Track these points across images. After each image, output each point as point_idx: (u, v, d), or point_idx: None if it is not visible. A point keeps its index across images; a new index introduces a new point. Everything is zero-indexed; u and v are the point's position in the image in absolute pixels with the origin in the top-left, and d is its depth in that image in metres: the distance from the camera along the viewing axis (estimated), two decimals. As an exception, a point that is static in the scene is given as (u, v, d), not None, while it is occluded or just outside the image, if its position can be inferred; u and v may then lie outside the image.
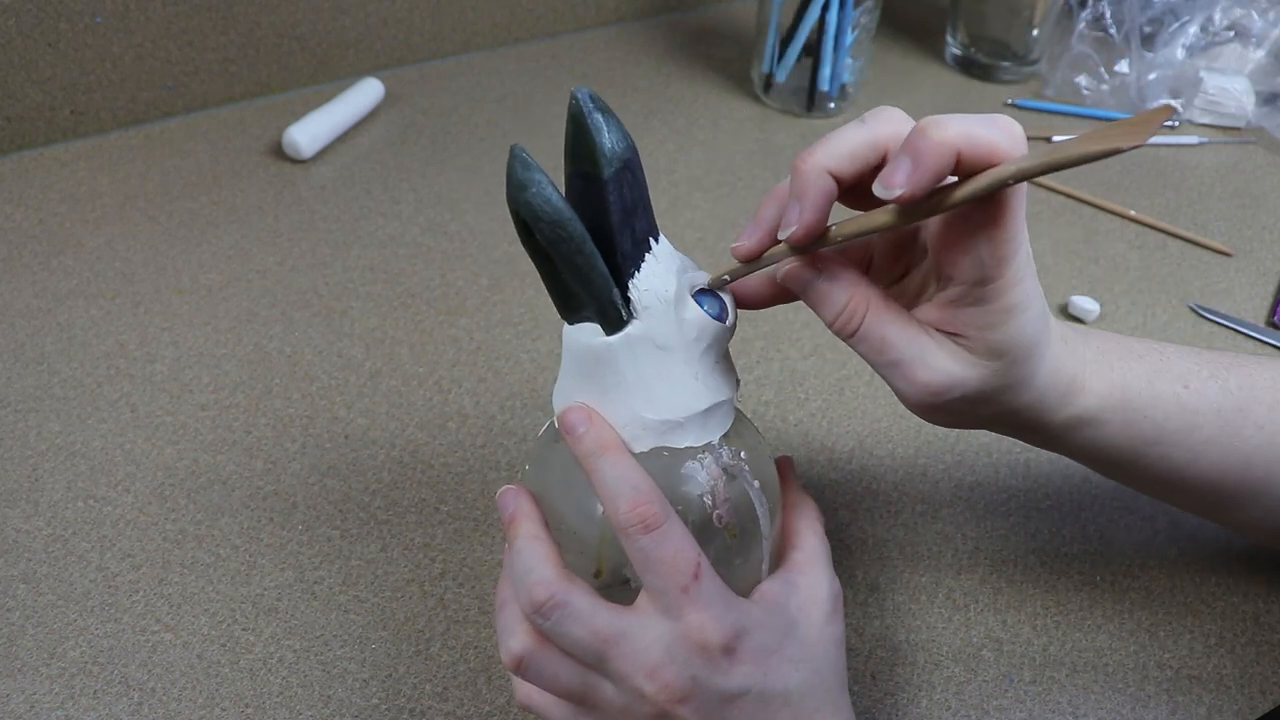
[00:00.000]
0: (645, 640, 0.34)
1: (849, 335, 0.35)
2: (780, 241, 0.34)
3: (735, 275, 0.36)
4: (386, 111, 0.80)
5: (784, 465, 0.43)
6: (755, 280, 0.38)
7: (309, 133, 0.73)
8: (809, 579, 0.38)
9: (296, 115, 0.74)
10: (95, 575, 0.48)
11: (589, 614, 0.35)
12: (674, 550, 0.34)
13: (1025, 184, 0.31)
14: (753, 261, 0.35)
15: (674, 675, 0.34)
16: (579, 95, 0.33)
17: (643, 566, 0.34)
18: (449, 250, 0.67)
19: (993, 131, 0.30)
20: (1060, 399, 0.37)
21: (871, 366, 0.36)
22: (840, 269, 0.35)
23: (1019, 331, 0.34)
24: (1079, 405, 0.38)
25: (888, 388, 0.59)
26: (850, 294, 0.34)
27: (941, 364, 0.34)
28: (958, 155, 0.30)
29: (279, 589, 0.48)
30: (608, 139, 0.33)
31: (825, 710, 0.36)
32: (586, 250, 0.33)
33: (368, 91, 0.78)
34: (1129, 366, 0.39)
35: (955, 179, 0.31)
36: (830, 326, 0.35)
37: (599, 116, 0.33)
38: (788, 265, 0.35)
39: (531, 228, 0.33)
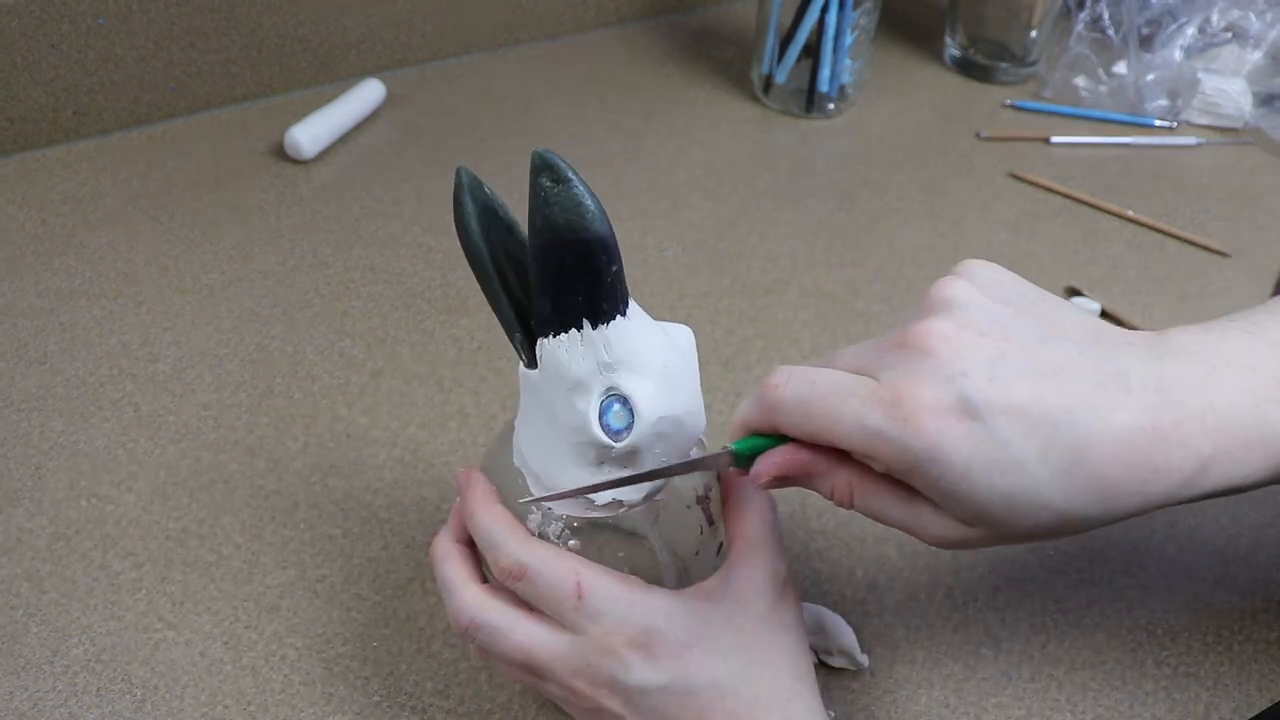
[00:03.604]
0: (561, 648, 0.36)
1: (849, 509, 0.36)
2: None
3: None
4: (388, 112, 0.80)
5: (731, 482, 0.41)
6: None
7: (310, 133, 0.73)
8: (746, 569, 0.38)
9: (298, 116, 0.75)
10: (98, 573, 0.48)
11: (507, 630, 0.37)
12: (546, 584, 0.36)
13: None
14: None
15: (594, 676, 0.36)
16: (550, 160, 0.31)
17: (534, 603, 0.37)
18: (450, 250, 0.68)
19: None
20: (1159, 495, 0.32)
21: None
22: (813, 461, 0.35)
23: (971, 499, 0.31)
24: (1209, 483, 0.33)
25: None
26: (830, 483, 0.35)
27: (940, 526, 0.33)
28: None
29: (281, 587, 0.48)
30: (559, 214, 0.31)
31: (767, 698, 0.36)
32: (492, 286, 0.35)
33: (369, 92, 0.78)
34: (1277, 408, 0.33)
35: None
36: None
37: (561, 188, 0.31)
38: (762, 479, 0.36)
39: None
